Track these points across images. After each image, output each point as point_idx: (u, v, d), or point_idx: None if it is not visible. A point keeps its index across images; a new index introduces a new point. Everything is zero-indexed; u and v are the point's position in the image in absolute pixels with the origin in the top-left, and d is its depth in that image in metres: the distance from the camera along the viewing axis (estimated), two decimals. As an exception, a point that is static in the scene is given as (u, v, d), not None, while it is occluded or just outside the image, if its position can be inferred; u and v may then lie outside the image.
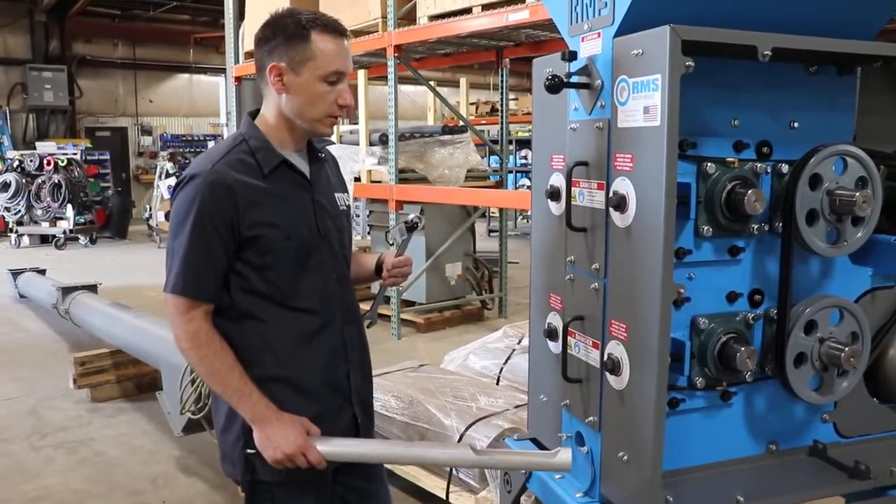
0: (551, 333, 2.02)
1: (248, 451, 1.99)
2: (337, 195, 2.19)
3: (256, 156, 1.99)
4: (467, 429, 3.56)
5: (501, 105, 8.85)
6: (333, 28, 1.98)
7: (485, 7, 6.29)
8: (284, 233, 1.97)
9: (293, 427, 1.93)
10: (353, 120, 8.31)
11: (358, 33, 7.69)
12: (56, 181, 14.50)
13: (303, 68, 1.95)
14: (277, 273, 1.99)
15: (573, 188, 1.84)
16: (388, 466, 3.92)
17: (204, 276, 1.93)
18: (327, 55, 1.95)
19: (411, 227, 2.29)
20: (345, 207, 2.20)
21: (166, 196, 14.75)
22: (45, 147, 15.66)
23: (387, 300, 7.37)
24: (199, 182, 1.92)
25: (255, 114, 2.09)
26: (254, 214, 1.94)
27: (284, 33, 1.96)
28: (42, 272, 8.98)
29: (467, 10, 6.47)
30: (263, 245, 1.95)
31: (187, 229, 1.90)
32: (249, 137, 2.03)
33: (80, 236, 14.69)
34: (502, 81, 8.58)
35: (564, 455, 1.83)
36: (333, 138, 8.45)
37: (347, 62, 2.00)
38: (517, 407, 3.72)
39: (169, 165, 15.43)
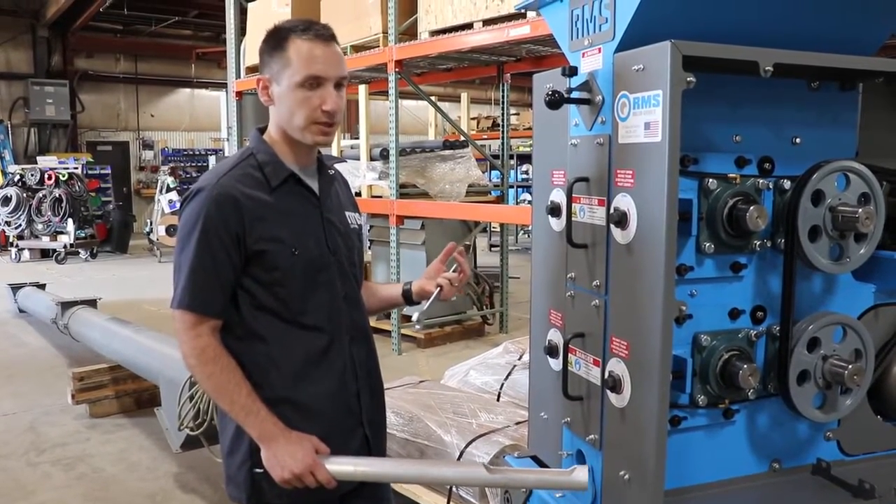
0: (552, 350, 2.01)
1: (257, 470, 1.94)
2: (347, 213, 2.15)
3: (264, 170, 1.97)
4: (467, 445, 3.53)
5: (502, 120, 8.86)
6: (313, 32, 1.93)
7: (486, 22, 6.31)
8: (291, 248, 1.94)
9: (301, 446, 1.89)
10: (354, 134, 8.31)
11: (359, 48, 7.71)
12: (57, 195, 14.52)
13: (282, 77, 1.93)
14: (286, 289, 1.95)
15: (574, 204, 1.83)
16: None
17: (211, 291, 1.90)
18: (301, 60, 1.90)
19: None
20: (355, 226, 2.17)
21: (167, 210, 14.78)
22: (46, 161, 15.72)
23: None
24: (205, 196, 1.89)
25: (264, 129, 2.07)
26: (260, 229, 1.91)
27: (269, 45, 1.96)
28: (42, 287, 8.96)
29: (468, 26, 6.49)
30: (270, 260, 1.92)
31: (193, 244, 1.88)
32: (258, 151, 2.00)
33: (80, 251, 14.69)
34: (503, 96, 8.60)
35: (581, 473, 1.80)
36: (334, 152, 8.47)
37: (327, 66, 1.92)
38: (518, 423, 3.69)
39: (170, 180, 15.47)
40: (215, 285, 1.90)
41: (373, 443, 2.13)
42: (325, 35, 1.94)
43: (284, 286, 1.95)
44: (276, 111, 1.98)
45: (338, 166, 2.24)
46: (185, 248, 1.90)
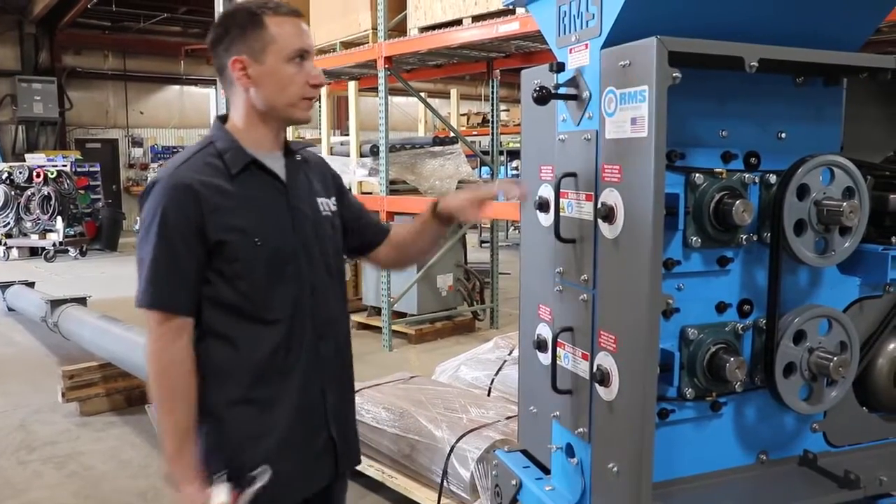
0: (541, 345, 2.02)
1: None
2: (320, 200, 2.06)
3: (224, 157, 1.90)
4: (458, 440, 3.55)
5: (492, 116, 8.86)
6: (285, 9, 1.92)
7: (475, 18, 6.31)
8: (253, 238, 1.87)
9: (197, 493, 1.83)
10: (344, 130, 8.30)
11: (348, 44, 7.71)
12: (46, 193, 14.45)
13: (265, 55, 1.88)
14: (248, 283, 1.87)
15: (562, 199, 1.84)
16: (380, 478, 3.91)
17: (172, 286, 1.82)
18: (286, 36, 1.88)
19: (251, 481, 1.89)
20: (328, 213, 2.07)
21: (157, 208, 14.67)
22: (34, 159, 15.60)
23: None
24: (161, 188, 1.83)
25: (224, 118, 2.00)
26: (219, 219, 1.83)
27: (238, 26, 1.89)
28: (31, 285, 8.91)
29: (458, 22, 6.49)
30: (230, 252, 1.85)
31: (152, 238, 1.81)
32: (217, 139, 1.94)
33: (69, 249, 14.62)
34: (493, 93, 8.61)
35: None
36: (324, 150, 8.46)
37: (309, 40, 1.94)
38: (508, 418, 3.71)
39: (159, 177, 15.37)
40: (176, 280, 1.83)
41: (339, 443, 2.05)
42: (297, 11, 1.95)
43: (245, 279, 1.87)
44: (257, 92, 1.91)
45: (328, 158, 2.22)
46: (145, 244, 1.83)
